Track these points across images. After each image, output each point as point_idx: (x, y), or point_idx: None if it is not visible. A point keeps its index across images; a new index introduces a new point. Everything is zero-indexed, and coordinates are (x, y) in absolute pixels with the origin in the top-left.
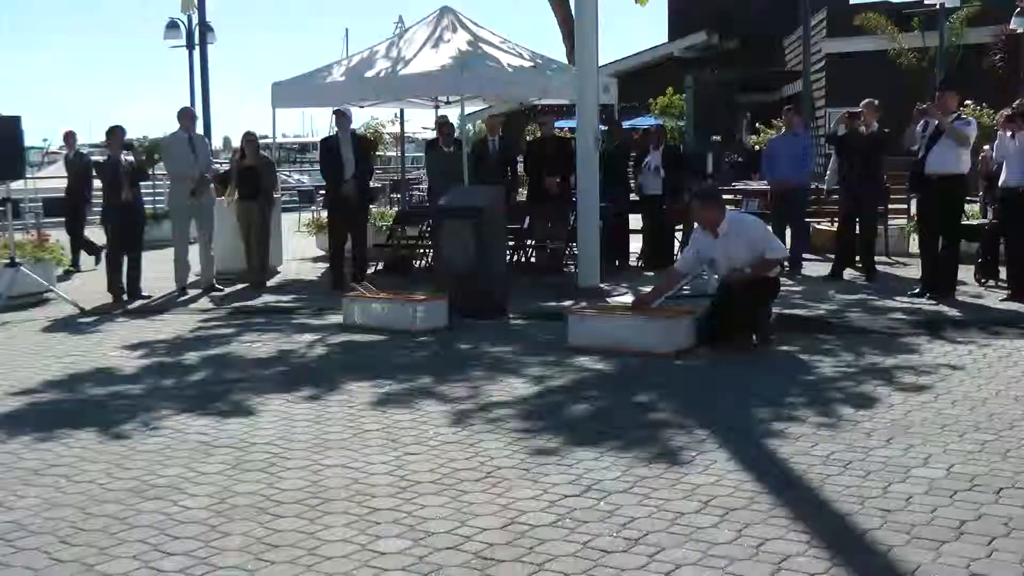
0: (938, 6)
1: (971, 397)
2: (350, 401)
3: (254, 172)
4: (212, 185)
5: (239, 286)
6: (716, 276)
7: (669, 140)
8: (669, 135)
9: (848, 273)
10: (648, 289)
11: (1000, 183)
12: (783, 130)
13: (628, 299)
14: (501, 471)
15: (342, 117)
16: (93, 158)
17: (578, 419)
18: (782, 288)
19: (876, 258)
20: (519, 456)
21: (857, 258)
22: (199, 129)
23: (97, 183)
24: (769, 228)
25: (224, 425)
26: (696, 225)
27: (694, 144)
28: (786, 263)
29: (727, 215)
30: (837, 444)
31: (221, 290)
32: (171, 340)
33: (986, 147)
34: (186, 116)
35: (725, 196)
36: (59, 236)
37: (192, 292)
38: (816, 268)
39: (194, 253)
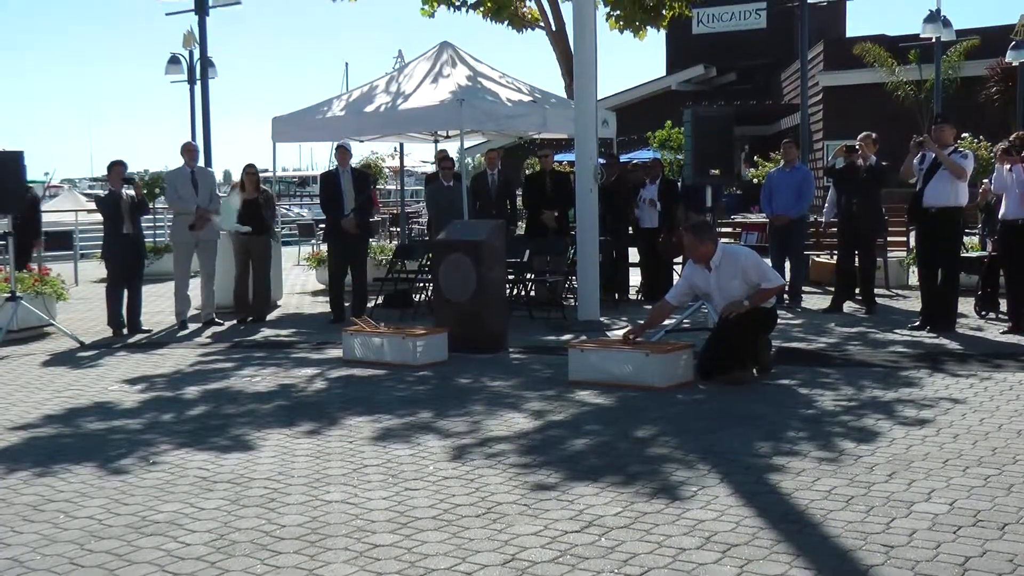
0: (934, 40)
1: (974, 431)
2: (350, 436)
3: (254, 205)
4: (216, 218)
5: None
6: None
7: (667, 173)
8: (667, 168)
9: (848, 306)
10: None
11: (999, 216)
12: (781, 163)
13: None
14: (501, 506)
15: (343, 152)
16: (93, 192)
17: (578, 454)
18: (782, 321)
19: (876, 290)
20: (519, 491)
21: (857, 291)
22: (200, 162)
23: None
24: (767, 261)
25: (224, 460)
26: (689, 260)
27: (692, 177)
28: (786, 295)
29: (719, 248)
30: (839, 479)
31: (221, 324)
32: (171, 374)
33: (985, 180)
34: (187, 151)
35: (724, 229)
36: (60, 270)
37: (192, 326)
38: (816, 301)
39: (195, 287)
